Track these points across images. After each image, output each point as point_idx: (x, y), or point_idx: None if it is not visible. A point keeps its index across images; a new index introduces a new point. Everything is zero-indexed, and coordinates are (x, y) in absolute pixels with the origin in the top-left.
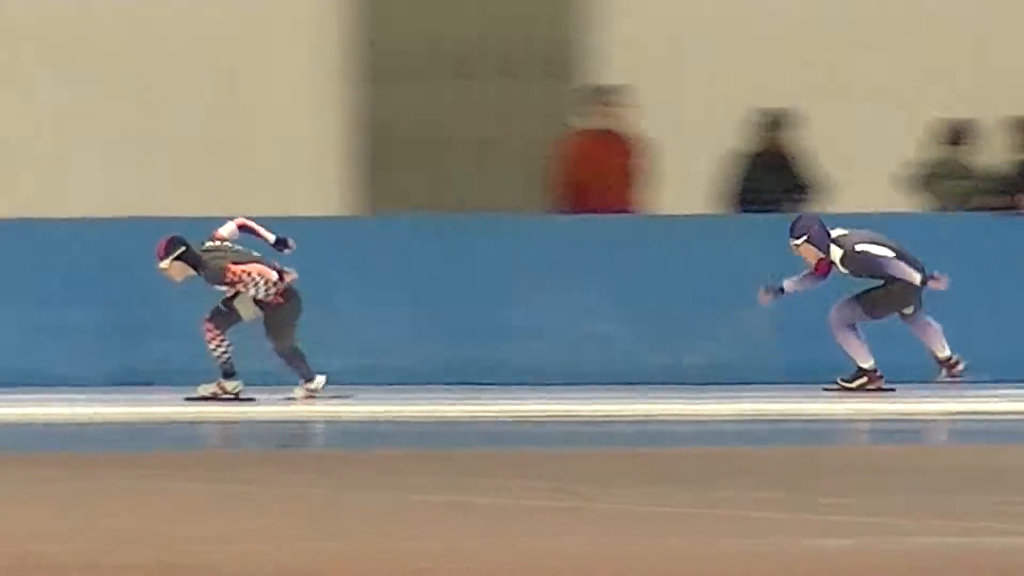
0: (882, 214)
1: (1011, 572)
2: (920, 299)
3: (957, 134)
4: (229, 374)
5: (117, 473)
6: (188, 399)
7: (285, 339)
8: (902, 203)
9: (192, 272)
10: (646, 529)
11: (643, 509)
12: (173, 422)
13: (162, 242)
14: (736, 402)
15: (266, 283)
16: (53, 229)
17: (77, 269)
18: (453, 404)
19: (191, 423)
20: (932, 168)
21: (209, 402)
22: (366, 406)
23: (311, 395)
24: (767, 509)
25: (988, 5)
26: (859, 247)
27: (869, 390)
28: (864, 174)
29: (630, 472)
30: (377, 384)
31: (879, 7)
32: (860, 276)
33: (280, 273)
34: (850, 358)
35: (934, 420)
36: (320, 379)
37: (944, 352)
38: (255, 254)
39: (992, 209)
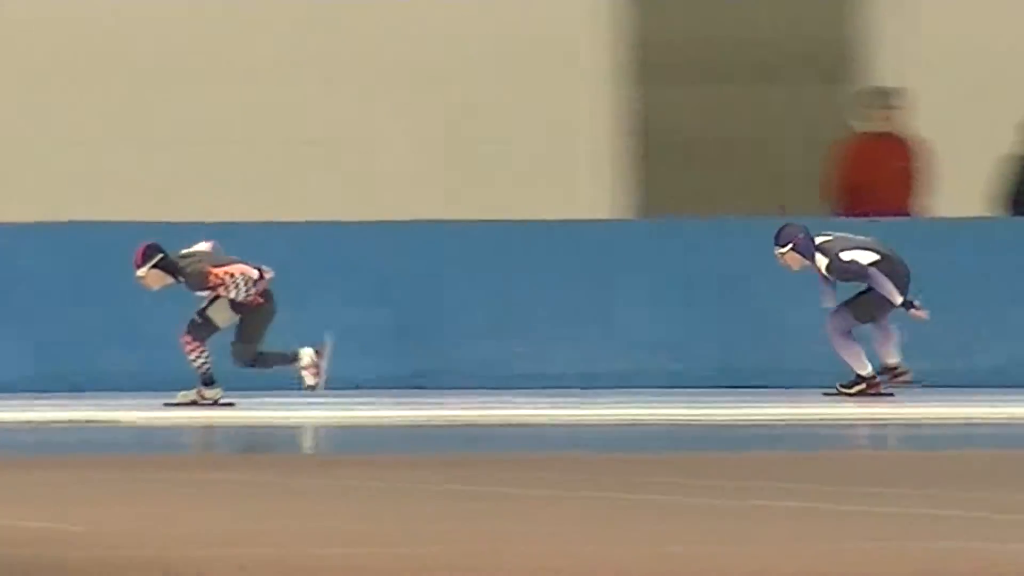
0: None
1: None
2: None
3: None
4: (209, 382)
5: (348, 473)
6: (167, 404)
7: (254, 343)
8: None
9: (170, 280)
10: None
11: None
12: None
13: (139, 250)
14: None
15: (247, 282)
16: (360, 232)
17: (367, 271)
18: (725, 408)
19: (467, 426)
20: None
21: (191, 407)
22: (632, 409)
23: (315, 367)
24: None
25: None
26: (844, 255)
27: (869, 395)
28: None
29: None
30: (647, 387)
31: None
32: (847, 281)
33: (260, 271)
34: (848, 366)
35: None
36: (307, 351)
37: (893, 360)
38: (232, 256)
39: None
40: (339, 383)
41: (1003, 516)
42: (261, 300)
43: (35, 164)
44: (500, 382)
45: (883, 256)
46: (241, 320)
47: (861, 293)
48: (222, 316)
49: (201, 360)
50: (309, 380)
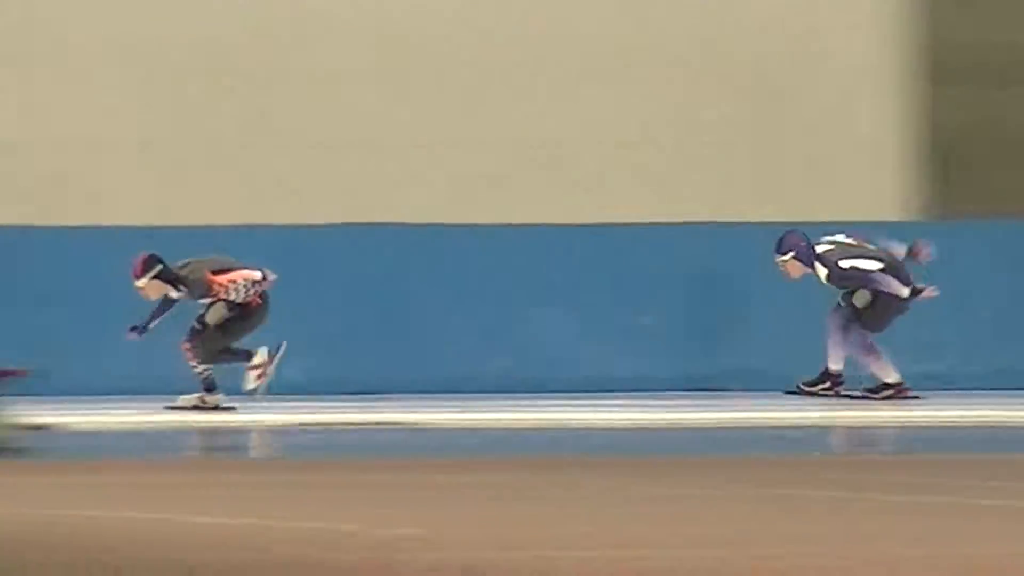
0: None
1: None
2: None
3: None
4: (211, 388)
5: (693, 482)
6: (167, 407)
7: (229, 340)
8: None
9: (169, 290)
10: None
11: None
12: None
13: (138, 260)
14: None
15: (246, 285)
16: (665, 233)
17: (654, 273)
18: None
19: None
20: None
21: (193, 411)
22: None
23: (261, 369)
24: None
25: None
26: (843, 263)
27: (895, 398)
28: None
29: None
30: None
31: None
32: (847, 289)
33: (263, 273)
34: (874, 376)
35: None
36: (261, 351)
37: (837, 367)
38: (230, 260)
39: None
40: (632, 384)
41: None
42: (259, 301)
43: (242, 165)
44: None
45: (886, 264)
46: (231, 317)
47: (865, 308)
48: (216, 317)
49: (204, 366)
50: (251, 383)
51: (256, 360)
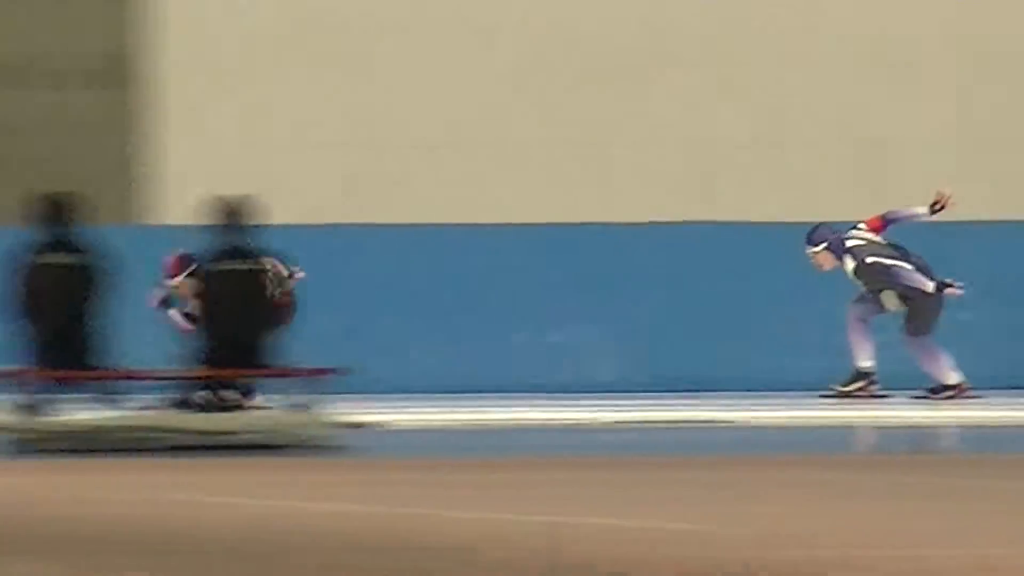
0: None
1: None
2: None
3: None
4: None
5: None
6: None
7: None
8: None
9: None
10: None
11: None
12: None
13: (173, 259)
14: None
15: (277, 282)
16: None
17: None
18: None
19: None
20: None
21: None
22: None
23: (210, 402)
24: None
25: None
26: (869, 259)
27: (954, 398)
28: None
29: None
30: None
31: None
32: (872, 286)
33: (289, 271)
34: (934, 377)
35: None
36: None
37: (867, 364)
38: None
39: None
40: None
41: None
42: (286, 300)
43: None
44: None
45: (912, 262)
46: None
47: (907, 313)
48: None
49: None
50: (198, 399)
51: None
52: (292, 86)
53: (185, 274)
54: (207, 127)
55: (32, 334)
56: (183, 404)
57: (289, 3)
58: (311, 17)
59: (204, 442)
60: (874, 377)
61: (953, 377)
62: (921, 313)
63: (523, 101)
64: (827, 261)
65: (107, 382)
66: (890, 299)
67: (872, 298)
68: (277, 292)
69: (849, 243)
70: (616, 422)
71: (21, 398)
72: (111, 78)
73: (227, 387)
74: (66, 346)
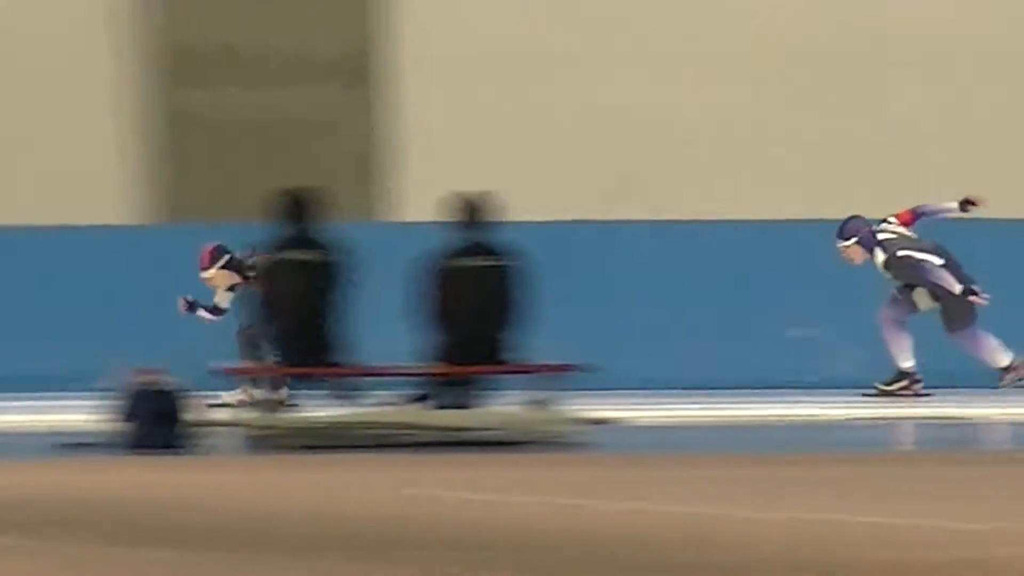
0: None
1: None
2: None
3: None
4: (278, 386)
5: None
6: (211, 405)
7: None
8: None
9: (237, 281)
10: None
11: None
12: None
13: (206, 251)
14: None
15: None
16: None
17: None
18: None
19: None
20: None
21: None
22: None
23: (242, 402)
24: None
25: None
26: (901, 252)
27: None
28: None
29: None
30: None
31: None
32: (902, 281)
33: None
34: (988, 364)
35: None
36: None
37: (908, 364)
38: None
39: None
40: None
41: None
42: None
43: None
44: None
45: (945, 260)
46: None
47: (942, 311)
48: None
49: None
50: (231, 398)
51: (250, 397)
52: (531, 82)
53: (218, 266)
54: (447, 124)
55: (273, 330)
56: (422, 400)
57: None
58: (552, 13)
59: (443, 438)
60: (917, 376)
61: (1005, 359)
62: (955, 311)
63: (772, 96)
64: (858, 255)
65: (346, 379)
66: (922, 298)
67: (904, 298)
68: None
69: (880, 236)
70: (855, 418)
71: (260, 394)
72: (353, 74)
73: (257, 385)
74: (306, 343)
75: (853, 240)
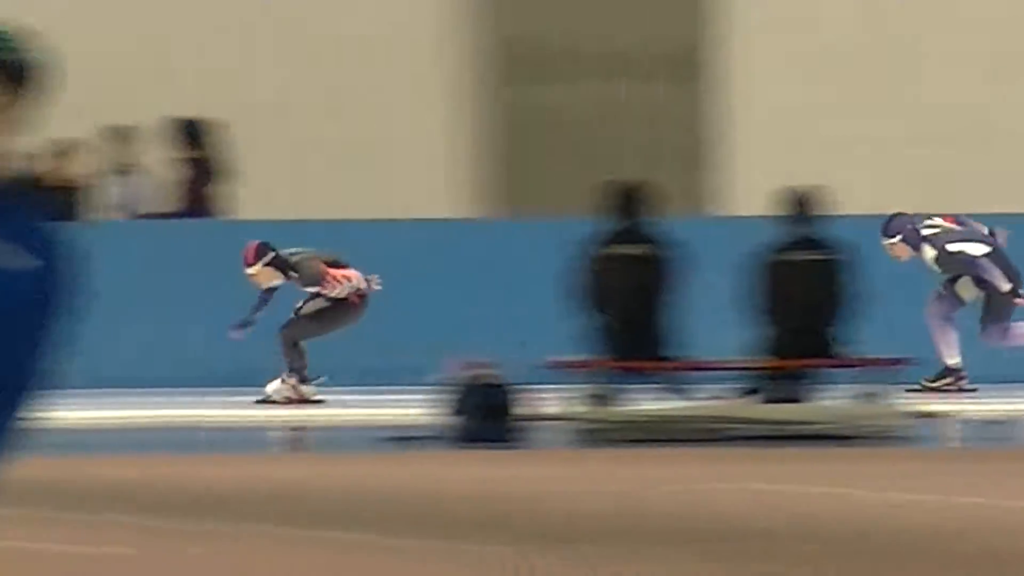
0: None
1: None
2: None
3: None
4: (304, 380)
5: None
6: (258, 402)
7: (306, 333)
8: None
9: (280, 279)
10: None
11: None
12: None
13: (250, 247)
14: None
15: (353, 286)
16: None
17: None
18: None
19: None
20: None
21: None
22: None
23: (290, 396)
24: None
25: None
26: (951, 246)
27: None
28: None
29: None
30: None
31: None
32: (952, 275)
33: (367, 280)
34: None
35: None
36: (310, 389)
37: (955, 361)
38: (341, 259)
39: None
40: None
41: None
42: (357, 300)
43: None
44: None
45: (993, 248)
46: (322, 307)
47: (984, 304)
48: (312, 307)
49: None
50: (275, 392)
51: (303, 388)
52: (855, 81)
53: (262, 263)
54: (774, 118)
55: (601, 324)
56: (752, 394)
57: None
58: (878, 11)
59: (772, 432)
60: (962, 372)
61: None
62: (996, 306)
63: None
64: (904, 252)
65: (675, 372)
66: (966, 288)
67: (948, 292)
68: (347, 293)
69: (925, 232)
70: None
71: (590, 388)
72: (684, 70)
73: (305, 381)
74: (635, 336)
75: (898, 238)
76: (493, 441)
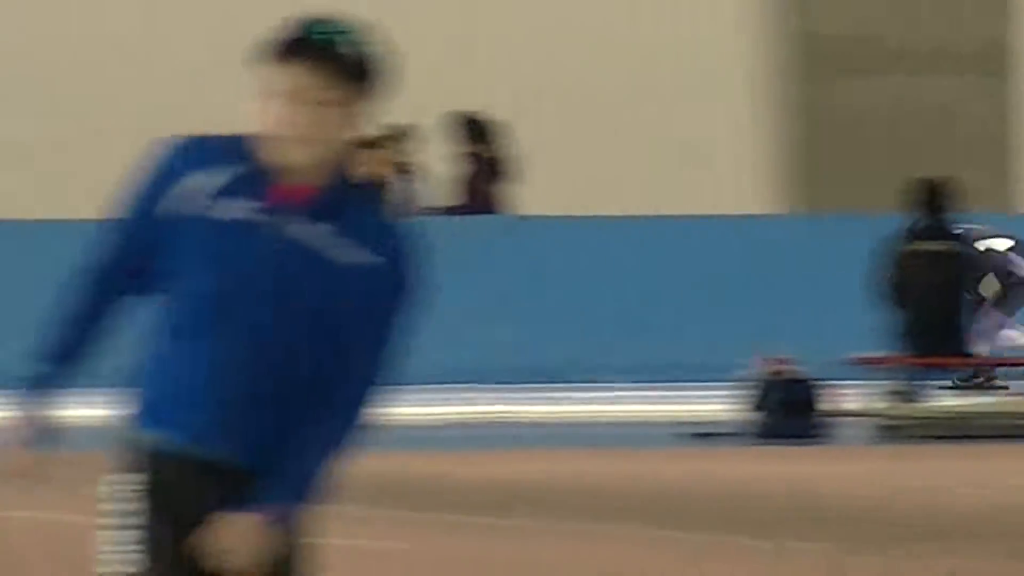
0: None
1: None
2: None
3: None
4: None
5: None
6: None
7: None
8: None
9: None
10: None
11: None
12: None
13: None
14: None
15: None
16: None
17: None
18: None
19: None
20: None
21: None
22: None
23: None
24: None
25: None
26: (980, 244)
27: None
28: None
29: None
30: None
31: None
32: (979, 274)
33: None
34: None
35: None
36: None
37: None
38: None
39: None
40: None
41: None
42: None
43: None
44: None
45: (1017, 241)
46: None
47: (1002, 295)
48: None
49: None
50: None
51: None
52: None
53: None
54: None
55: (902, 320)
56: None
57: None
58: None
59: None
60: (992, 371)
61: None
62: (1014, 300)
63: None
64: None
65: (976, 368)
66: (989, 285)
67: (975, 295)
68: None
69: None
70: None
71: (892, 384)
72: (990, 65)
73: None
74: (936, 333)
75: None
76: (795, 437)
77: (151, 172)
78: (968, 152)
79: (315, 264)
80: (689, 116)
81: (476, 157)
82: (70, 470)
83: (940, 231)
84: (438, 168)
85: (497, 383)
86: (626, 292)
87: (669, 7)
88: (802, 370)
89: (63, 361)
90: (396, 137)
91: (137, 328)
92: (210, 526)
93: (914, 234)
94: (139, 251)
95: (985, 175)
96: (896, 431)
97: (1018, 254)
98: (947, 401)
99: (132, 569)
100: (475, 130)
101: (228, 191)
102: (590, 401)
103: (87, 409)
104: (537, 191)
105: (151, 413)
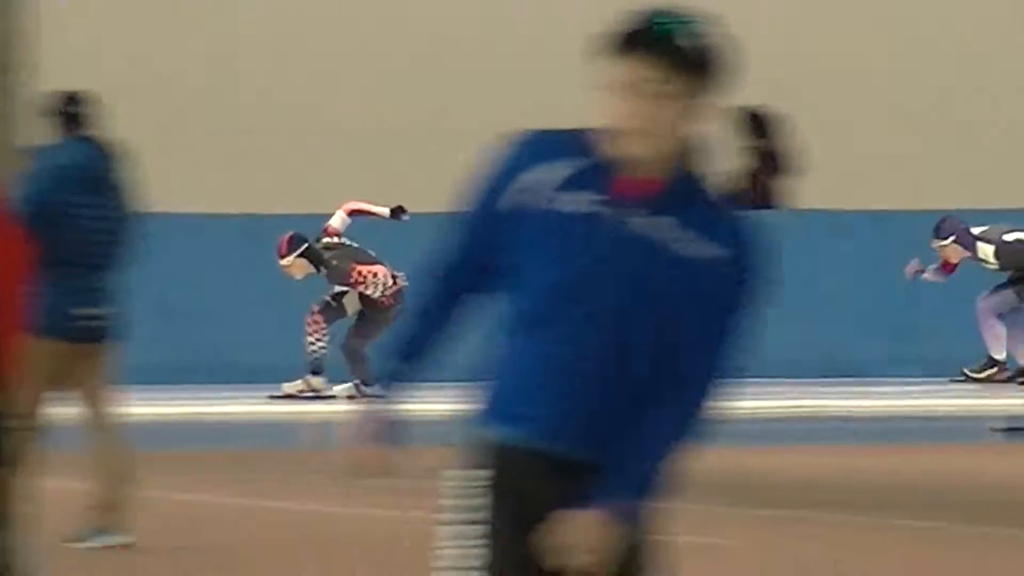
0: None
1: None
2: None
3: None
4: (317, 372)
5: None
6: (271, 397)
7: (367, 339)
8: None
9: (312, 270)
10: None
11: None
12: None
13: (283, 239)
14: None
15: (384, 284)
16: None
17: None
18: None
19: None
20: None
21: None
22: None
23: (359, 397)
24: None
25: None
26: (1008, 236)
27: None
28: None
29: None
30: None
31: None
32: (1008, 268)
33: (394, 277)
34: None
35: None
36: (320, 381)
37: (1001, 355)
38: (373, 254)
39: None
40: None
41: None
42: (392, 302)
43: None
44: None
45: None
46: (363, 314)
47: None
48: (352, 305)
49: (320, 345)
50: (342, 391)
51: (367, 391)
52: None
53: (295, 254)
54: None
55: None
56: None
57: None
58: None
59: None
60: (1005, 365)
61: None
62: None
63: None
64: (955, 254)
65: None
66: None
67: (1008, 290)
68: (385, 293)
69: (976, 230)
70: None
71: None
72: None
73: (316, 373)
74: None
75: (950, 239)
76: None
77: (495, 167)
78: None
79: (658, 256)
80: (998, 109)
81: (758, 151)
82: (413, 465)
83: None
84: (725, 163)
85: (817, 377)
86: (930, 289)
87: (971, 4)
88: None
89: (412, 358)
90: (758, 126)
91: (484, 324)
92: (554, 523)
93: None
94: (485, 247)
95: None
96: None
97: None
98: None
99: (475, 564)
100: (757, 124)
101: (571, 184)
102: (906, 396)
103: (432, 404)
104: (815, 184)
105: (498, 408)
